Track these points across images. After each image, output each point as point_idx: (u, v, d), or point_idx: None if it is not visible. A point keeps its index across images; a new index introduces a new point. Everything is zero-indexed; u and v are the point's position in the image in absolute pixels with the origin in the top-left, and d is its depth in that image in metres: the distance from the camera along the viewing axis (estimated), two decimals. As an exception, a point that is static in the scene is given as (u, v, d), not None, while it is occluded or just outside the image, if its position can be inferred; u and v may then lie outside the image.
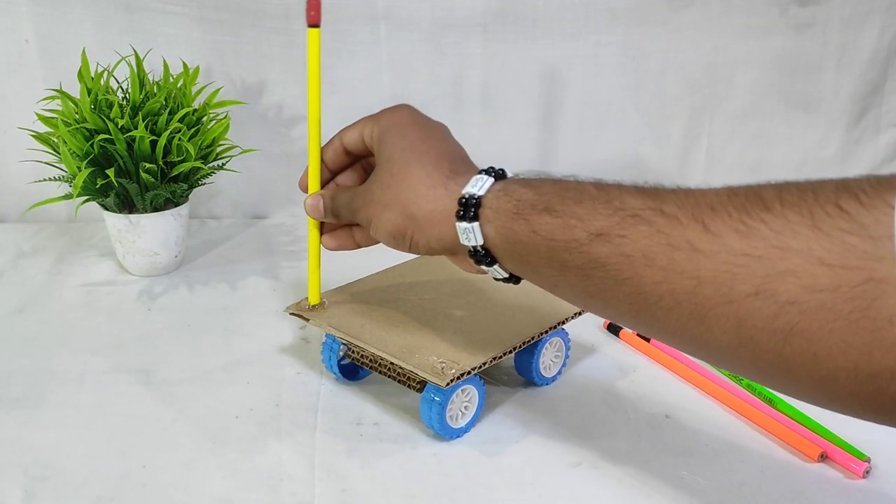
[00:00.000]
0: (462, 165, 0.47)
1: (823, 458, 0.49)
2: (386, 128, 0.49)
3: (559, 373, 0.58)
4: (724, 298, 0.33)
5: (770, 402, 0.55)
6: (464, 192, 0.43)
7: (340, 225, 0.54)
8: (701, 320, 0.34)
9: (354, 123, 0.52)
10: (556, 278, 0.41)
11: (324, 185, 0.54)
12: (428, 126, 0.50)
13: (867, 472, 0.48)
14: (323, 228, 0.54)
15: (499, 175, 0.44)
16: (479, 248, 0.43)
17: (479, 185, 0.43)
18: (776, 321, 0.32)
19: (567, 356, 0.58)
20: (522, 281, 0.62)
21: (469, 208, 0.43)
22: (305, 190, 0.54)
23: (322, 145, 0.53)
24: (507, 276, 0.45)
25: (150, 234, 0.74)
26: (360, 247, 0.54)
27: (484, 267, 0.44)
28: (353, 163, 0.54)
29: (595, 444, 0.51)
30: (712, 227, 0.34)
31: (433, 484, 0.47)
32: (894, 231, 0.29)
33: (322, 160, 0.53)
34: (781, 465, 0.49)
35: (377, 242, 0.52)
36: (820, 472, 0.48)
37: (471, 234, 0.43)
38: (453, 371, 0.48)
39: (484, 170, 0.45)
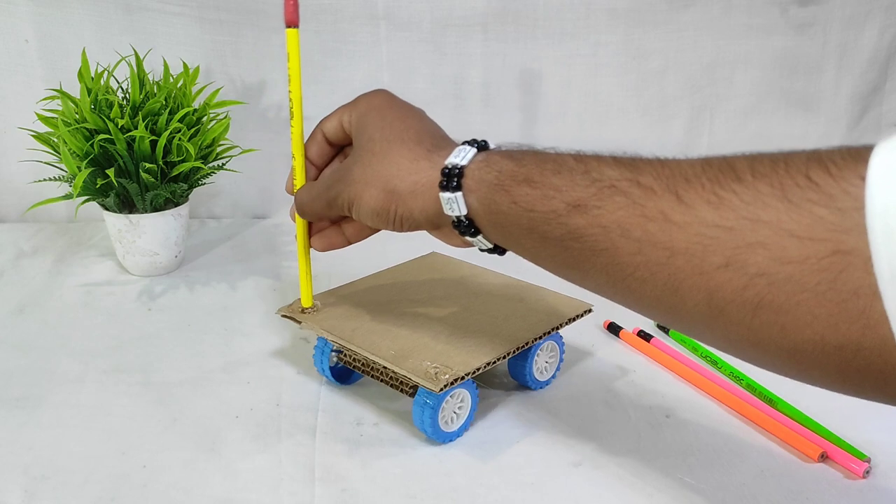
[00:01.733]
0: (443, 140, 0.47)
1: (823, 457, 0.49)
2: (364, 111, 0.49)
3: (553, 377, 0.58)
4: (696, 270, 0.33)
5: (770, 401, 0.55)
6: (447, 162, 0.43)
7: (328, 224, 0.54)
8: (674, 291, 0.34)
9: (332, 113, 0.52)
10: (536, 249, 0.41)
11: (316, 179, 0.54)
12: (406, 107, 0.50)
13: (867, 472, 0.48)
14: (311, 230, 0.54)
15: (481, 146, 0.45)
16: (462, 219, 0.43)
17: (462, 156, 0.43)
18: (745, 293, 0.32)
19: (561, 360, 0.58)
20: (517, 283, 0.62)
21: (452, 178, 0.43)
22: (293, 193, 0.54)
23: (306, 141, 0.53)
24: (491, 246, 0.45)
25: (150, 234, 0.74)
26: (350, 243, 0.53)
27: (468, 238, 0.44)
28: (335, 154, 0.54)
29: (596, 444, 0.51)
30: (686, 197, 0.34)
31: (434, 484, 0.47)
32: (863, 203, 0.28)
33: (307, 157, 0.53)
34: (781, 465, 0.49)
35: (367, 235, 0.52)
36: (820, 472, 0.48)
37: (454, 203, 0.43)
38: (447, 377, 0.48)
39: (467, 141, 0.45)
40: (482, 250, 0.46)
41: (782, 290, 0.31)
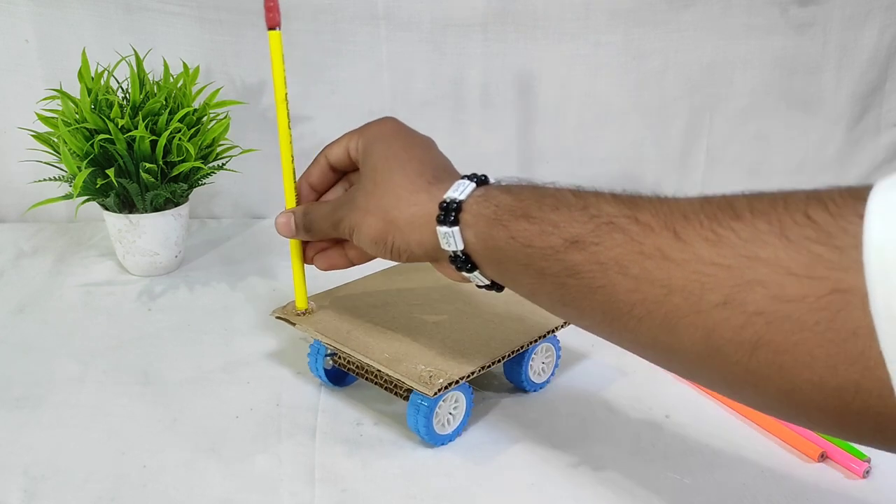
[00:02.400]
0: (444, 173, 0.47)
1: (823, 457, 0.49)
2: (371, 139, 0.49)
3: (548, 380, 0.58)
4: (694, 308, 0.33)
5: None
6: (445, 196, 0.43)
7: (331, 244, 0.54)
8: (671, 330, 0.34)
9: (339, 139, 0.52)
10: (533, 286, 0.41)
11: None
12: (412, 137, 0.50)
13: (867, 472, 0.48)
14: (309, 246, 0.55)
15: (481, 181, 0.44)
16: (459, 254, 0.43)
17: (460, 190, 0.43)
18: (743, 332, 0.31)
19: (557, 363, 0.58)
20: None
21: (449, 212, 0.42)
22: (287, 235, 0.54)
23: (308, 166, 0.53)
24: (488, 283, 0.44)
25: (150, 234, 0.74)
26: (353, 264, 0.54)
27: (465, 273, 0.44)
28: (338, 179, 0.54)
29: (595, 445, 0.51)
30: (683, 235, 0.34)
31: (433, 485, 0.47)
32: (861, 241, 0.28)
33: (308, 180, 0.53)
34: (781, 465, 0.49)
35: (370, 258, 0.52)
36: (820, 473, 0.48)
37: (451, 238, 0.42)
38: (441, 381, 0.48)
39: (466, 175, 0.45)
40: (479, 286, 0.45)
41: (781, 328, 0.30)
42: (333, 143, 0.52)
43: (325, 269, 0.54)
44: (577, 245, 0.37)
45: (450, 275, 0.47)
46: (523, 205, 0.41)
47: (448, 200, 0.43)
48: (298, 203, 0.54)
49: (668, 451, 0.50)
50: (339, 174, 0.53)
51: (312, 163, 0.53)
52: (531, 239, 0.39)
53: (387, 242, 0.46)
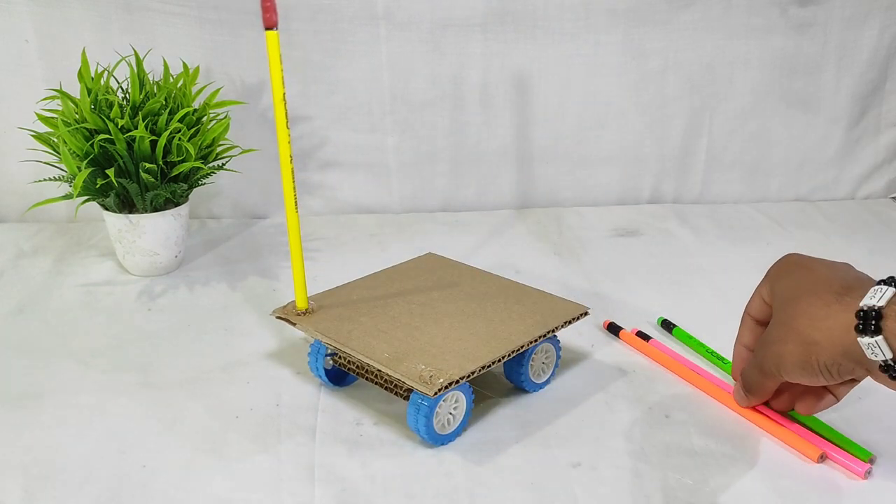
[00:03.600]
0: (856, 281, 0.45)
1: (823, 459, 0.49)
2: (775, 278, 0.49)
3: (550, 379, 0.58)
4: None
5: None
6: (861, 304, 0.41)
7: (794, 395, 0.51)
8: None
9: (753, 294, 0.52)
10: None
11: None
12: (816, 261, 0.49)
13: (868, 472, 0.48)
14: (784, 398, 0.52)
15: None
16: (890, 363, 0.41)
17: (878, 296, 0.41)
18: None
19: (557, 364, 0.58)
20: (514, 285, 0.62)
21: (868, 321, 0.40)
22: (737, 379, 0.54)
23: (738, 336, 0.54)
24: None
25: (150, 234, 0.74)
26: (837, 401, 0.50)
27: None
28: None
29: (595, 445, 0.51)
30: None
31: (433, 484, 0.47)
32: None
33: (742, 344, 0.53)
34: (781, 466, 0.49)
35: (848, 389, 0.49)
36: (820, 473, 0.48)
37: (876, 348, 0.40)
38: (441, 380, 0.48)
39: (883, 280, 0.43)
40: None
41: None
42: (750, 299, 0.52)
43: (782, 411, 0.53)
44: None
45: (888, 384, 0.43)
46: None
47: (865, 308, 0.41)
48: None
49: (668, 451, 0.50)
50: (764, 325, 0.52)
51: (741, 325, 0.53)
52: None
53: (812, 364, 0.44)
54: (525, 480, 0.48)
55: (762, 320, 0.52)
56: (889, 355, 0.40)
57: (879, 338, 0.40)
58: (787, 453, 0.50)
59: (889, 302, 0.40)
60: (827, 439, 0.51)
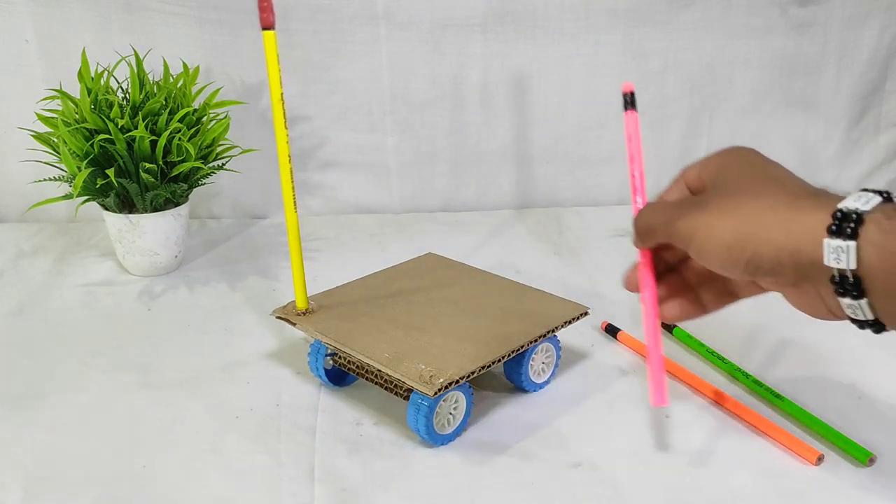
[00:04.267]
0: (826, 190, 0.40)
1: (821, 461, 0.49)
2: (727, 157, 0.43)
3: (549, 379, 0.58)
4: None
5: (775, 399, 0.55)
6: (842, 205, 0.36)
7: (681, 292, 0.46)
8: None
9: (696, 162, 0.46)
10: None
11: None
12: (775, 162, 0.43)
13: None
14: (660, 294, 0.46)
15: (885, 196, 0.37)
16: (847, 274, 0.35)
17: (863, 200, 0.36)
18: None
19: (557, 363, 0.58)
20: (514, 285, 0.62)
21: (846, 222, 0.35)
22: (635, 289, 0.46)
23: (666, 188, 0.48)
24: (870, 319, 0.36)
25: (150, 234, 0.74)
26: (706, 313, 0.46)
27: (845, 301, 0.36)
28: None
29: (595, 445, 0.51)
30: None
31: (433, 485, 0.47)
32: None
33: (665, 199, 0.47)
34: (781, 466, 0.49)
35: (728, 302, 0.45)
36: (819, 473, 0.48)
37: (843, 254, 0.35)
38: (441, 380, 0.48)
39: (865, 189, 0.37)
40: (856, 320, 0.37)
41: None
42: (692, 164, 0.46)
43: (674, 320, 0.46)
44: None
45: (810, 304, 0.39)
46: None
47: (846, 209, 0.35)
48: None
49: (668, 451, 0.50)
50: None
51: (672, 183, 0.47)
52: None
53: (745, 249, 0.38)
54: (525, 481, 0.48)
55: (695, 191, 0.45)
56: (853, 266, 0.35)
57: (853, 243, 0.35)
58: (786, 455, 0.50)
59: (874, 208, 0.36)
60: (827, 439, 0.51)
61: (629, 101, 0.51)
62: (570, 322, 0.56)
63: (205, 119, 0.75)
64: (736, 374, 0.58)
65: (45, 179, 0.75)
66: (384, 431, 0.52)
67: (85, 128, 0.69)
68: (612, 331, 0.65)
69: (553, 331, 0.55)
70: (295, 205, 0.55)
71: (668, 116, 0.97)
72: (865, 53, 0.97)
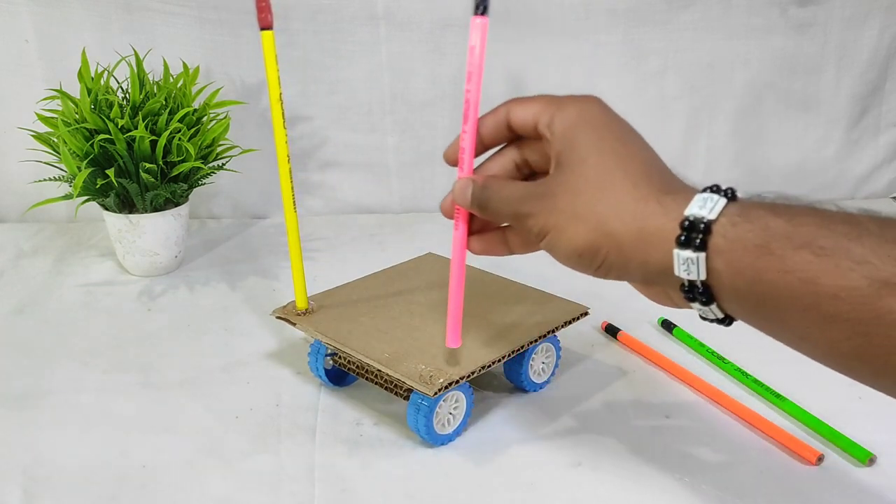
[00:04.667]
0: (674, 180, 0.39)
1: (821, 461, 0.49)
2: (574, 122, 0.40)
3: (548, 380, 0.58)
4: None
5: (775, 399, 0.55)
6: (687, 213, 0.35)
7: (492, 228, 0.45)
8: None
9: (529, 99, 0.42)
10: (808, 330, 0.33)
11: (477, 155, 0.44)
12: (625, 128, 0.41)
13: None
14: (470, 227, 0.45)
15: (729, 196, 0.36)
16: (698, 284, 0.35)
17: (708, 207, 0.35)
18: None
19: (557, 363, 0.58)
20: (514, 285, 0.62)
21: (695, 233, 0.34)
22: (454, 163, 0.43)
23: (484, 114, 0.44)
24: (720, 317, 0.37)
25: (150, 234, 0.74)
26: (512, 254, 0.46)
27: (696, 305, 0.37)
28: (511, 140, 0.44)
29: (595, 445, 0.51)
30: None
31: (433, 485, 0.47)
32: None
33: (479, 131, 0.43)
34: (781, 466, 0.49)
35: (534, 250, 0.44)
36: (819, 473, 0.48)
37: (693, 266, 0.35)
38: (441, 380, 0.48)
39: (709, 187, 0.37)
40: (706, 319, 0.38)
41: None
42: (521, 100, 0.43)
43: (480, 254, 0.45)
44: (891, 288, 0.30)
45: (660, 300, 0.40)
46: (803, 231, 0.33)
47: (692, 219, 0.35)
48: (469, 158, 0.43)
49: (667, 451, 0.50)
50: (513, 135, 0.44)
51: (492, 112, 0.44)
52: (818, 275, 0.32)
53: (597, 256, 0.38)
54: (525, 481, 0.48)
55: (517, 131, 0.43)
56: (703, 277, 0.35)
57: (702, 255, 0.34)
58: (785, 455, 0.50)
59: (719, 215, 0.35)
60: (827, 439, 0.51)
61: (481, 5, 0.44)
62: (570, 322, 0.56)
63: (205, 119, 0.75)
64: (736, 374, 0.58)
65: (45, 179, 0.75)
66: (384, 431, 0.52)
67: (85, 128, 0.69)
68: (612, 331, 0.65)
69: (553, 331, 0.55)
70: (295, 205, 0.55)
71: (667, 117, 0.97)
72: (865, 53, 0.97)
